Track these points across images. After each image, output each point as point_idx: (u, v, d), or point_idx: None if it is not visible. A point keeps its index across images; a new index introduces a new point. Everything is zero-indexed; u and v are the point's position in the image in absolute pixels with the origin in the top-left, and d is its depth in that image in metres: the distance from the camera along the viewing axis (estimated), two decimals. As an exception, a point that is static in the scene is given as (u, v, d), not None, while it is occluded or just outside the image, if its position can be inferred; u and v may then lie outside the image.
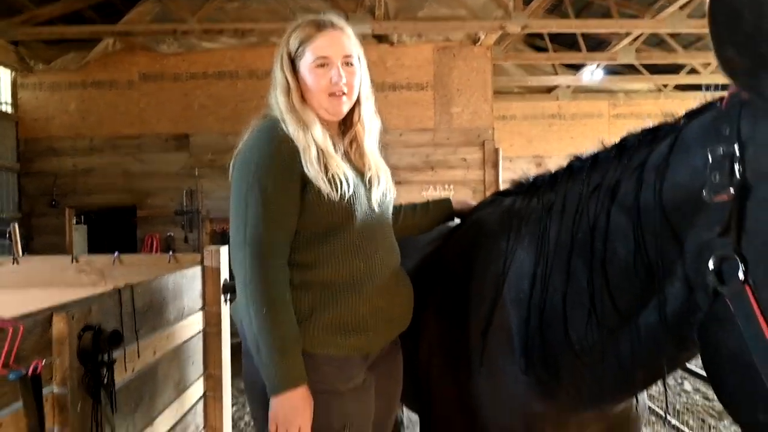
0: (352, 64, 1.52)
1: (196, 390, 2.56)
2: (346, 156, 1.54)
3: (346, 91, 1.50)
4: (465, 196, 1.94)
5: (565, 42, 9.65)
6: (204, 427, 2.66)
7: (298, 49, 1.50)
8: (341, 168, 1.45)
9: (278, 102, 1.50)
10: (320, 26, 1.50)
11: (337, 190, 1.42)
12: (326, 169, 1.43)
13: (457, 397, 1.54)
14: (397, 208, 1.84)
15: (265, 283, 1.38)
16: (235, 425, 3.92)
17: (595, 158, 1.25)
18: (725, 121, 0.90)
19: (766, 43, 0.77)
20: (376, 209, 1.54)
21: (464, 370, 1.53)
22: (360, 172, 1.54)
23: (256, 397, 1.50)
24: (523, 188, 1.56)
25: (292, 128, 1.44)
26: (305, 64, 1.49)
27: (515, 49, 9.33)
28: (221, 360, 2.68)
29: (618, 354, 1.16)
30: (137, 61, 7.05)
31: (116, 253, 2.77)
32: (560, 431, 1.40)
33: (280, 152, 1.42)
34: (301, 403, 1.36)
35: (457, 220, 1.91)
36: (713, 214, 0.87)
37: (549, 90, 10.96)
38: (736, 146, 0.85)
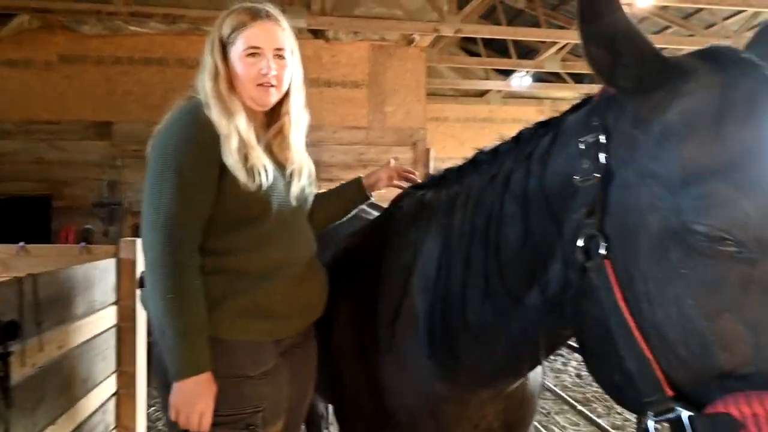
0: (283, 57, 1.52)
1: (107, 387, 2.46)
2: (268, 148, 1.55)
3: (274, 83, 1.50)
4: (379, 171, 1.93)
5: (498, 48, 9.98)
6: (115, 427, 2.56)
7: (230, 35, 1.49)
8: (261, 160, 1.45)
9: (204, 86, 1.48)
10: (255, 15, 1.49)
11: (254, 181, 1.42)
12: (246, 160, 1.43)
13: (367, 382, 1.59)
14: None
15: (174, 268, 1.37)
16: (153, 425, 3.78)
17: (496, 151, 1.33)
18: (595, 113, 0.99)
19: (620, 41, 0.86)
20: (294, 202, 1.55)
21: (373, 356, 1.58)
22: (281, 165, 1.55)
23: (164, 385, 1.47)
24: (435, 181, 1.62)
25: (215, 114, 1.43)
26: (236, 52, 1.48)
27: (449, 53, 9.55)
28: (135, 356, 2.59)
29: (510, 334, 1.24)
30: (56, 41, 6.61)
31: (21, 243, 2.61)
32: (461, 411, 1.47)
33: (201, 137, 1.41)
34: (204, 389, 1.36)
35: (373, 198, 1.90)
36: (582, 197, 0.94)
37: (481, 94, 11.29)
38: (602, 136, 0.93)
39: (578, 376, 5.73)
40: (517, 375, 1.32)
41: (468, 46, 10.39)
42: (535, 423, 4.34)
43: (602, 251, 0.87)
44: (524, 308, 1.17)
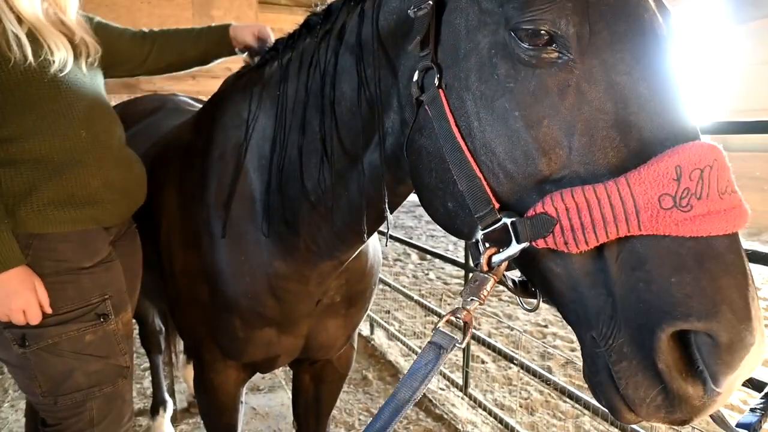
0: None
1: None
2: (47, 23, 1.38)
3: None
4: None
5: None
6: None
7: None
8: (49, 31, 1.32)
9: None
10: None
11: (25, 56, 1.27)
12: (38, 29, 1.29)
13: (201, 271, 1.54)
14: (153, 37, 1.76)
15: None
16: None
17: (329, 9, 1.27)
18: None
19: None
20: (87, 74, 1.45)
21: (207, 242, 1.52)
22: (66, 38, 1.40)
23: None
24: (267, 55, 1.52)
25: None
26: None
27: (281, -45, 8.92)
28: None
29: (348, 197, 1.24)
30: None
31: None
32: (303, 288, 1.48)
33: None
34: (17, 286, 1.26)
35: (239, 54, 1.77)
36: (417, 30, 0.93)
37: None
38: None
39: (414, 276, 6.21)
40: (357, 241, 1.34)
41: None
42: (376, 318, 4.62)
43: (436, 82, 0.88)
44: (362, 167, 1.17)
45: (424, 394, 3.29)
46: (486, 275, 0.78)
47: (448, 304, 5.16)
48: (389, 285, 4.52)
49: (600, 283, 0.72)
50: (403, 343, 3.98)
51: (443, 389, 3.46)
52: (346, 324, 1.71)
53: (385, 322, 4.44)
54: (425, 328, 4.48)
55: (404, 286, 5.25)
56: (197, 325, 1.64)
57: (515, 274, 0.89)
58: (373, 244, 1.72)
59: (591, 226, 0.68)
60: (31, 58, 1.27)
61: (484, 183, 0.80)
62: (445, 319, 0.79)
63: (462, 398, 3.33)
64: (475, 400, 3.21)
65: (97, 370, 1.41)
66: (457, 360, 3.63)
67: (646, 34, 0.73)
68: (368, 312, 4.47)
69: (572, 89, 0.74)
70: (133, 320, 1.82)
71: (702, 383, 0.67)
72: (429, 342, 0.77)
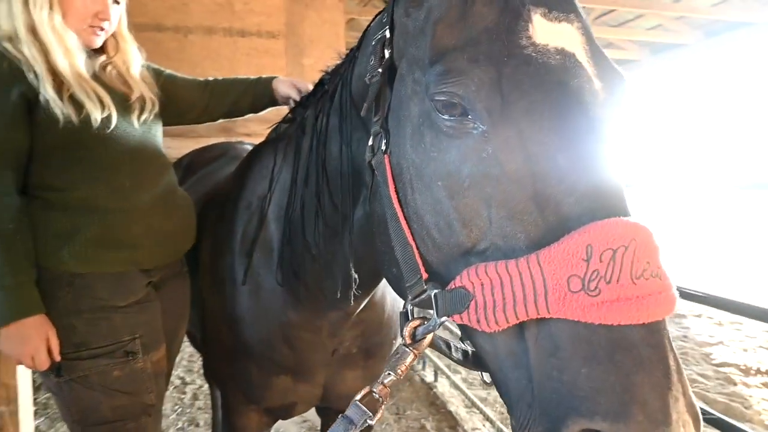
0: (119, 3, 1.54)
1: None
2: (98, 78, 1.52)
3: (106, 27, 1.51)
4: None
5: (422, 3, 9.86)
6: (-6, 384, 2.42)
7: None
8: (96, 92, 1.43)
9: (19, 11, 1.39)
10: None
11: (80, 115, 1.39)
12: (76, 91, 1.40)
13: (224, 315, 1.60)
14: (212, 87, 1.90)
15: None
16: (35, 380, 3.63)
17: (335, 69, 1.31)
18: (386, 11, 0.99)
19: None
20: (138, 128, 1.55)
21: (230, 288, 1.59)
22: (118, 93, 1.53)
23: None
24: (293, 112, 1.60)
25: (27, 48, 1.37)
26: None
27: (373, 6, 9.35)
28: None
29: (342, 252, 1.25)
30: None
31: None
32: (316, 337, 1.50)
33: None
34: (32, 333, 1.36)
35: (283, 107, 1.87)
36: (369, 96, 0.95)
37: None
38: (387, 31, 0.94)
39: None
40: (360, 294, 1.34)
41: None
42: (440, 365, 4.48)
43: (383, 147, 0.88)
44: (352, 225, 1.18)
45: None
46: (407, 349, 0.75)
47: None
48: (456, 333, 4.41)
49: (522, 366, 0.67)
50: (465, 395, 3.83)
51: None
52: (365, 375, 1.70)
53: (450, 369, 4.31)
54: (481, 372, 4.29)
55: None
56: (222, 367, 1.71)
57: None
58: (392, 295, 1.70)
59: (502, 304, 0.64)
60: (74, 118, 1.39)
61: (415, 251, 0.79)
62: (363, 393, 0.77)
63: None
64: None
65: (122, 405, 1.48)
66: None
67: (567, 103, 0.69)
68: (432, 358, 4.39)
69: (489, 160, 0.72)
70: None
71: None
72: (341, 416, 0.75)
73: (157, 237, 1.56)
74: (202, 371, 3.71)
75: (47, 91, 1.36)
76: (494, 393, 4.17)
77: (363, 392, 0.77)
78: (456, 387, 4.02)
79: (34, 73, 1.36)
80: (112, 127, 1.46)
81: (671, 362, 0.58)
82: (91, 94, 1.42)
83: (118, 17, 1.57)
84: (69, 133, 1.39)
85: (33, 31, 1.39)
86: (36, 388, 2.56)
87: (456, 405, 3.86)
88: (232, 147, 2.79)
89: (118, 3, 1.54)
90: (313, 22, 7.22)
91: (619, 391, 0.57)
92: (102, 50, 1.58)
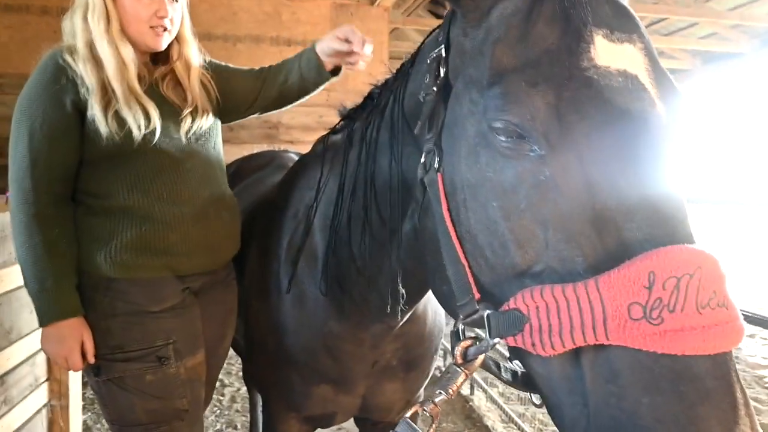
0: (177, 0, 1.52)
1: (35, 340, 2.41)
2: (154, 87, 1.53)
3: (169, 27, 1.49)
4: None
5: (465, 12, 9.83)
6: (47, 380, 2.52)
7: None
8: (145, 106, 1.43)
9: (83, 28, 1.43)
10: None
11: (122, 126, 1.40)
12: (123, 107, 1.40)
13: (268, 322, 1.62)
14: (264, 74, 1.77)
15: (28, 219, 1.41)
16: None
17: (385, 83, 1.32)
18: (442, 29, 1.00)
19: None
20: (184, 141, 1.53)
21: (275, 295, 1.61)
22: (169, 104, 1.54)
23: None
24: (343, 120, 1.61)
25: (82, 64, 1.40)
26: None
27: (417, 15, 9.39)
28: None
29: (390, 265, 1.25)
30: (-3, -10, 6.29)
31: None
32: (358, 349, 1.50)
33: (52, 83, 1.40)
34: (66, 334, 1.41)
35: (328, 76, 1.70)
36: (423, 114, 0.95)
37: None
38: (443, 50, 0.94)
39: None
40: (403, 308, 1.33)
41: (435, 9, 10.22)
42: (478, 378, 4.43)
43: (436, 165, 0.88)
44: (400, 239, 1.18)
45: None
46: (458, 369, 0.75)
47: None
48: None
49: (578, 391, 0.65)
50: (502, 410, 3.77)
51: None
52: (405, 388, 1.69)
53: (487, 383, 4.25)
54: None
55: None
56: (265, 374, 1.73)
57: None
58: (434, 309, 1.70)
59: (558, 328, 0.63)
60: (116, 136, 1.40)
61: (468, 271, 0.79)
62: (413, 411, 0.76)
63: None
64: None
65: (155, 408, 1.49)
66: None
67: (629, 126, 0.67)
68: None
69: (547, 182, 0.71)
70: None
71: None
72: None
73: (195, 246, 1.54)
74: (240, 374, 3.77)
75: (94, 108, 1.39)
76: (532, 409, 4.09)
77: (413, 410, 0.77)
78: (493, 401, 3.96)
79: (86, 87, 1.39)
80: (155, 141, 1.45)
81: (738, 395, 0.56)
82: (137, 112, 1.42)
83: (180, 17, 1.54)
84: (111, 147, 1.42)
85: (90, 46, 1.42)
86: (84, 384, 2.64)
87: (492, 420, 3.80)
88: (278, 155, 2.84)
89: (176, 0, 1.51)
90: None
91: (684, 422, 0.55)
92: (166, 55, 1.57)
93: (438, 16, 10.43)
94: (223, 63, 1.81)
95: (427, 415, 0.75)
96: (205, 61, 1.70)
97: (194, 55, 1.62)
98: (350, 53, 1.59)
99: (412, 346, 1.60)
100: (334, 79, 1.72)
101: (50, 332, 1.42)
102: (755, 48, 8.02)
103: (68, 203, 1.48)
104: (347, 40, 1.57)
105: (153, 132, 1.45)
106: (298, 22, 7.07)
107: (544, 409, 0.76)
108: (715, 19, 7.03)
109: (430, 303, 1.61)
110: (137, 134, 1.42)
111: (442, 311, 1.79)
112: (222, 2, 6.74)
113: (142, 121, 1.42)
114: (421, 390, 1.81)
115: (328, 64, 1.66)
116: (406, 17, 8.53)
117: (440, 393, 0.75)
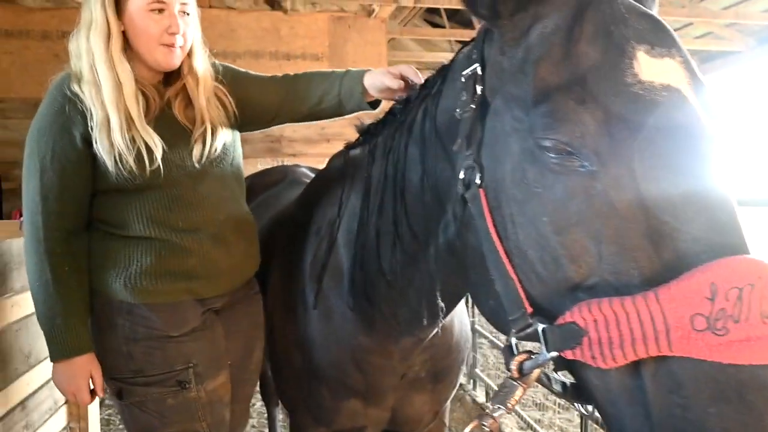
0: (188, 13, 1.45)
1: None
2: (167, 109, 1.48)
3: (181, 43, 1.42)
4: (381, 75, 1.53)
5: (462, 20, 9.90)
6: (65, 403, 2.51)
7: None
8: (147, 139, 1.37)
9: (86, 48, 1.37)
10: None
11: (125, 159, 1.35)
12: (121, 143, 1.34)
13: (296, 338, 1.62)
14: (281, 81, 1.68)
15: (39, 257, 1.40)
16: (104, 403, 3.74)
17: (407, 99, 1.33)
18: (475, 47, 1.01)
19: None
20: (197, 166, 1.47)
21: (301, 311, 1.61)
22: (182, 126, 1.48)
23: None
24: (362, 137, 1.62)
25: (87, 91, 1.35)
26: (136, 6, 1.38)
27: (413, 25, 9.45)
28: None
29: (420, 278, 1.26)
30: (-3, 15, 6.32)
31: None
32: (386, 362, 1.51)
33: (60, 114, 1.37)
34: (76, 371, 1.42)
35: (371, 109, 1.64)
36: (461, 131, 0.96)
37: (446, 67, 11.20)
38: (478, 68, 0.95)
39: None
40: (433, 320, 1.34)
41: (432, 18, 10.29)
42: (493, 385, 4.41)
43: (477, 180, 0.89)
44: (430, 253, 1.19)
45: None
46: (515, 383, 0.76)
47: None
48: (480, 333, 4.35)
49: (639, 402, 0.66)
50: (520, 416, 3.76)
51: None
52: (433, 399, 1.70)
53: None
54: (546, 399, 4.20)
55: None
56: (292, 389, 1.74)
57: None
58: (460, 319, 1.70)
59: (619, 341, 0.64)
60: (124, 170, 1.37)
61: (518, 285, 0.79)
62: (472, 426, 0.77)
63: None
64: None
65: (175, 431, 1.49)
66: None
67: (678, 139, 0.69)
68: (483, 378, 4.33)
69: (598, 196, 0.72)
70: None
71: None
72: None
73: (215, 269, 1.52)
74: (257, 389, 3.76)
75: (99, 144, 1.35)
76: (548, 414, 4.08)
77: (473, 424, 0.77)
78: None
79: (95, 121, 1.34)
80: (166, 173, 1.41)
81: None
82: (142, 146, 1.36)
83: (192, 31, 1.47)
84: (122, 181, 1.40)
85: (93, 67, 1.35)
86: (99, 404, 2.64)
87: (510, 426, 3.79)
88: (291, 171, 2.85)
89: (187, 14, 1.43)
90: (356, 43, 7.36)
91: (753, 431, 0.56)
92: (178, 71, 1.49)
93: (435, 26, 10.52)
94: (242, 69, 1.71)
95: (487, 431, 0.76)
96: (219, 69, 1.61)
97: (203, 65, 1.52)
98: (402, 90, 1.48)
99: (440, 357, 1.61)
100: (370, 111, 1.65)
101: (60, 369, 1.44)
102: (751, 46, 8.08)
103: (81, 236, 1.47)
104: (402, 78, 1.48)
105: (169, 157, 1.42)
106: (297, 36, 7.11)
107: (561, 415, 0.77)
108: (709, 18, 7.08)
109: (456, 314, 1.62)
110: (143, 172, 1.39)
111: (467, 321, 1.80)
112: (221, 19, 6.79)
113: (145, 158, 1.37)
114: (448, 402, 1.81)
115: (370, 96, 1.57)
116: (402, 27, 8.59)
117: (499, 408, 0.76)
